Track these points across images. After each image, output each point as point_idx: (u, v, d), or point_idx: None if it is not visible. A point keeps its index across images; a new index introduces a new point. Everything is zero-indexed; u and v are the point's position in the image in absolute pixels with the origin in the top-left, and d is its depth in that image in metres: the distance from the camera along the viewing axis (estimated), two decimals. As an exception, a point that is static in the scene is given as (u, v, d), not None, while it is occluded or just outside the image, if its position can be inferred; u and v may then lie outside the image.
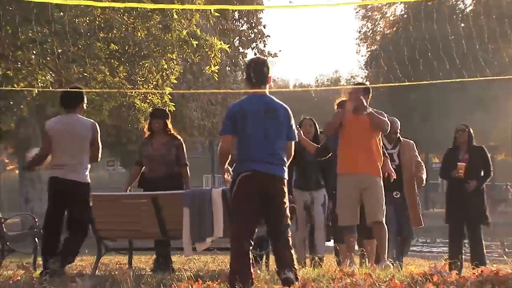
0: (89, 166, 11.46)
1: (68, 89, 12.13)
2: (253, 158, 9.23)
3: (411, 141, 13.31)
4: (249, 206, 9.20)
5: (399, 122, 13.26)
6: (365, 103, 11.54)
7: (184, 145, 13.39)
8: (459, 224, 13.52)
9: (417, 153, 13.42)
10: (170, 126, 13.33)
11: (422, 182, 13.14)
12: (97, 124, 11.60)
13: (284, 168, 9.37)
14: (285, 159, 9.38)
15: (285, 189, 9.37)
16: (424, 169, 13.39)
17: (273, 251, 9.40)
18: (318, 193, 13.52)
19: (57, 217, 11.42)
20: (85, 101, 11.87)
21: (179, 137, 13.50)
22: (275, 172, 9.24)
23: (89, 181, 11.41)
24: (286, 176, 9.40)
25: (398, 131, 13.25)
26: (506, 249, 22.81)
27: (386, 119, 11.63)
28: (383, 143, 12.56)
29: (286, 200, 9.37)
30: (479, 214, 13.60)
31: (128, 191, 13.60)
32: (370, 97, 11.83)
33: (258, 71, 9.54)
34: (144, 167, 13.35)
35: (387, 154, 12.40)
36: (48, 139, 11.49)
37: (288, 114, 9.44)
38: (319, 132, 13.77)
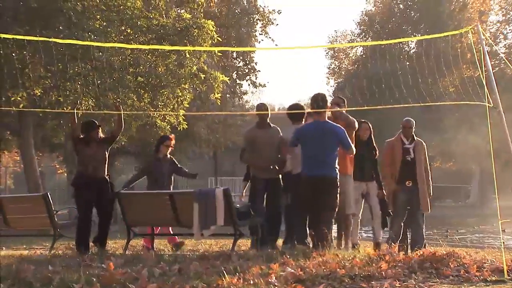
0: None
1: (289, 110, 11.78)
2: (307, 165, 10.48)
3: (423, 142, 12.72)
4: (304, 198, 10.51)
5: (414, 121, 12.70)
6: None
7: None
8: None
9: (427, 156, 12.67)
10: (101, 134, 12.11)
11: (429, 187, 12.34)
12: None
13: (333, 170, 10.43)
14: (336, 164, 10.50)
15: (334, 185, 10.39)
16: (430, 180, 12.53)
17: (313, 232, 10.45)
18: (372, 183, 12.43)
19: None
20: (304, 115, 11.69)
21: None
22: (324, 174, 10.35)
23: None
24: (335, 175, 10.44)
25: (413, 128, 12.60)
26: (448, 236, 22.81)
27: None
28: (402, 139, 12.44)
29: (334, 194, 10.43)
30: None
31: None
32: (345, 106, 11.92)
33: (313, 104, 10.64)
34: (78, 167, 12.05)
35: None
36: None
37: (337, 132, 10.48)
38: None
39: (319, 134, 10.43)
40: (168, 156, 13.85)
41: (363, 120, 12.69)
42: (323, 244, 9.79)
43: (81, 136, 11.88)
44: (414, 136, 12.58)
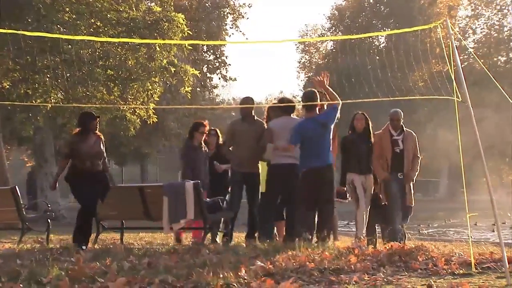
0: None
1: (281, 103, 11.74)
2: (308, 159, 10.74)
3: (413, 133, 12.48)
4: (307, 189, 10.75)
5: (402, 113, 12.41)
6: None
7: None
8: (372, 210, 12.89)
9: (417, 147, 12.39)
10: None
11: (411, 180, 12.12)
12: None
13: (329, 159, 10.87)
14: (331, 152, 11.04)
15: (333, 175, 10.97)
16: (418, 167, 12.30)
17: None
18: (370, 177, 12.16)
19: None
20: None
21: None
22: (327, 163, 10.80)
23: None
24: (332, 161, 10.96)
25: (402, 119, 12.32)
26: (419, 230, 22.90)
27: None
28: (390, 131, 12.18)
29: (333, 185, 11.02)
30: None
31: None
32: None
33: (305, 101, 11.02)
34: (74, 161, 11.46)
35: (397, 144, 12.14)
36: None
37: (326, 121, 10.86)
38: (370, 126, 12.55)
39: (318, 129, 10.75)
40: (203, 144, 13.19)
41: (359, 111, 12.59)
42: (334, 236, 10.83)
43: (77, 129, 11.69)
44: (404, 127, 12.37)
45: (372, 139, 12.32)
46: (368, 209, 12.17)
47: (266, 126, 11.85)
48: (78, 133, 11.61)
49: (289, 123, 11.20)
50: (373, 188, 12.20)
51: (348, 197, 12.25)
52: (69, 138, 11.92)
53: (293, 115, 11.70)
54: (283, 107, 11.57)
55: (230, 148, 12.27)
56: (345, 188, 12.11)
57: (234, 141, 12.11)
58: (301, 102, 11.14)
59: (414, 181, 12.27)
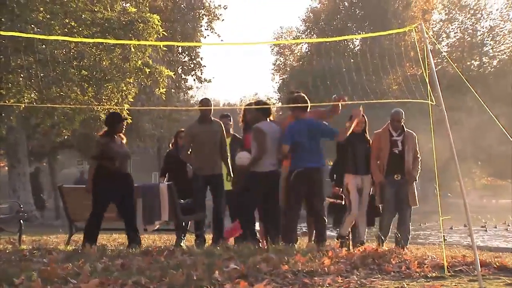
0: None
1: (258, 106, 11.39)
2: (302, 159, 10.67)
3: (414, 133, 12.15)
4: (298, 191, 10.70)
5: (403, 113, 12.12)
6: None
7: None
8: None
9: (417, 147, 12.12)
10: None
11: (414, 179, 11.90)
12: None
13: (323, 162, 10.95)
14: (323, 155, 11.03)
15: (323, 177, 10.87)
16: (419, 165, 12.09)
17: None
18: (367, 177, 11.90)
19: None
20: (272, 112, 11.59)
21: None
22: (318, 165, 10.76)
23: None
24: (323, 165, 10.96)
25: (403, 120, 12.00)
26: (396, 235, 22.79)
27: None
28: (390, 131, 11.95)
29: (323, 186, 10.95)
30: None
31: None
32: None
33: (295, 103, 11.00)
34: (102, 162, 11.35)
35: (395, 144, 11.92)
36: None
37: (319, 127, 10.95)
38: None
39: (310, 130, 10.77)
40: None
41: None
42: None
43: (104, 130, 11.55)
44: (404, 127, 12.11)
45: (369, 139, 12.16)
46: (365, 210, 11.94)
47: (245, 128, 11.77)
48: (105, 134, 11.47)
49: (274, 127, 11.10)
50: (370, 189, 12.01)
51: (343, 199, 12.04)
52: (98, 139, 11.69)
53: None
54: (262, 110, 11.31)
55: (189, 152, 12.06)
56: (341, 190, 11.98)
57: (194, 144, 11.93)
58: (291, 104, 11.08)
59: (417, 180, 12.17)
